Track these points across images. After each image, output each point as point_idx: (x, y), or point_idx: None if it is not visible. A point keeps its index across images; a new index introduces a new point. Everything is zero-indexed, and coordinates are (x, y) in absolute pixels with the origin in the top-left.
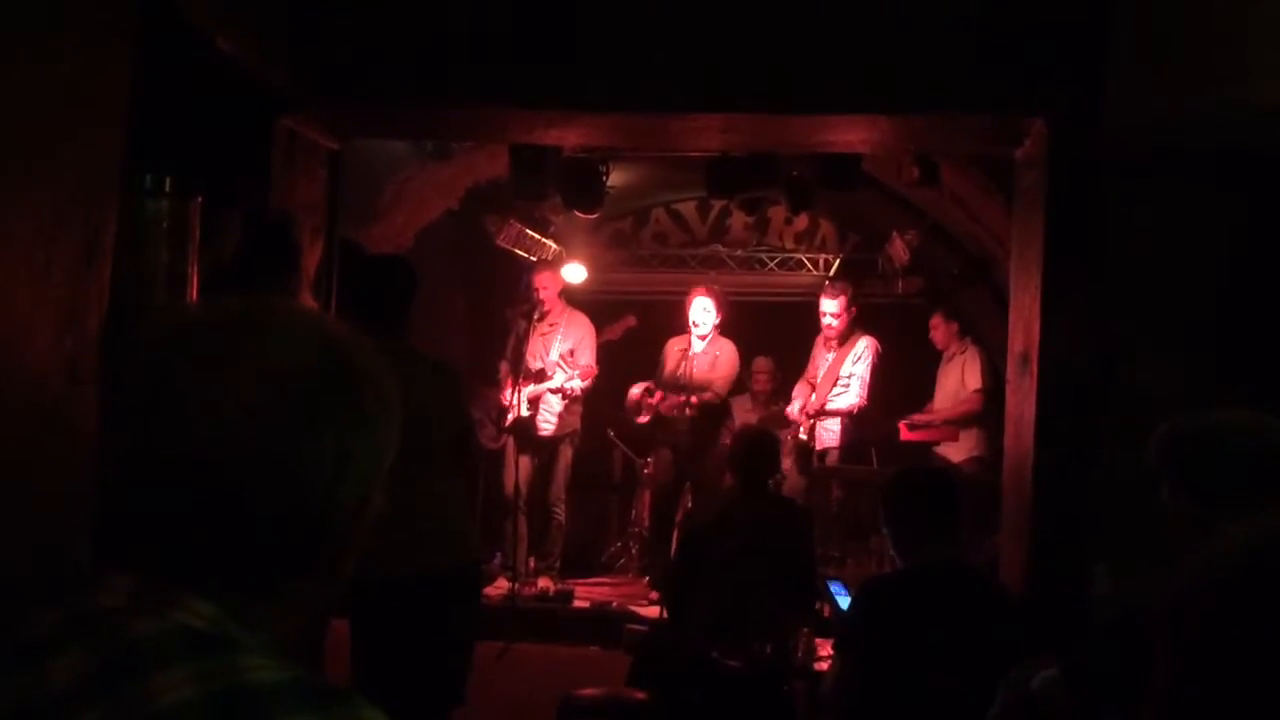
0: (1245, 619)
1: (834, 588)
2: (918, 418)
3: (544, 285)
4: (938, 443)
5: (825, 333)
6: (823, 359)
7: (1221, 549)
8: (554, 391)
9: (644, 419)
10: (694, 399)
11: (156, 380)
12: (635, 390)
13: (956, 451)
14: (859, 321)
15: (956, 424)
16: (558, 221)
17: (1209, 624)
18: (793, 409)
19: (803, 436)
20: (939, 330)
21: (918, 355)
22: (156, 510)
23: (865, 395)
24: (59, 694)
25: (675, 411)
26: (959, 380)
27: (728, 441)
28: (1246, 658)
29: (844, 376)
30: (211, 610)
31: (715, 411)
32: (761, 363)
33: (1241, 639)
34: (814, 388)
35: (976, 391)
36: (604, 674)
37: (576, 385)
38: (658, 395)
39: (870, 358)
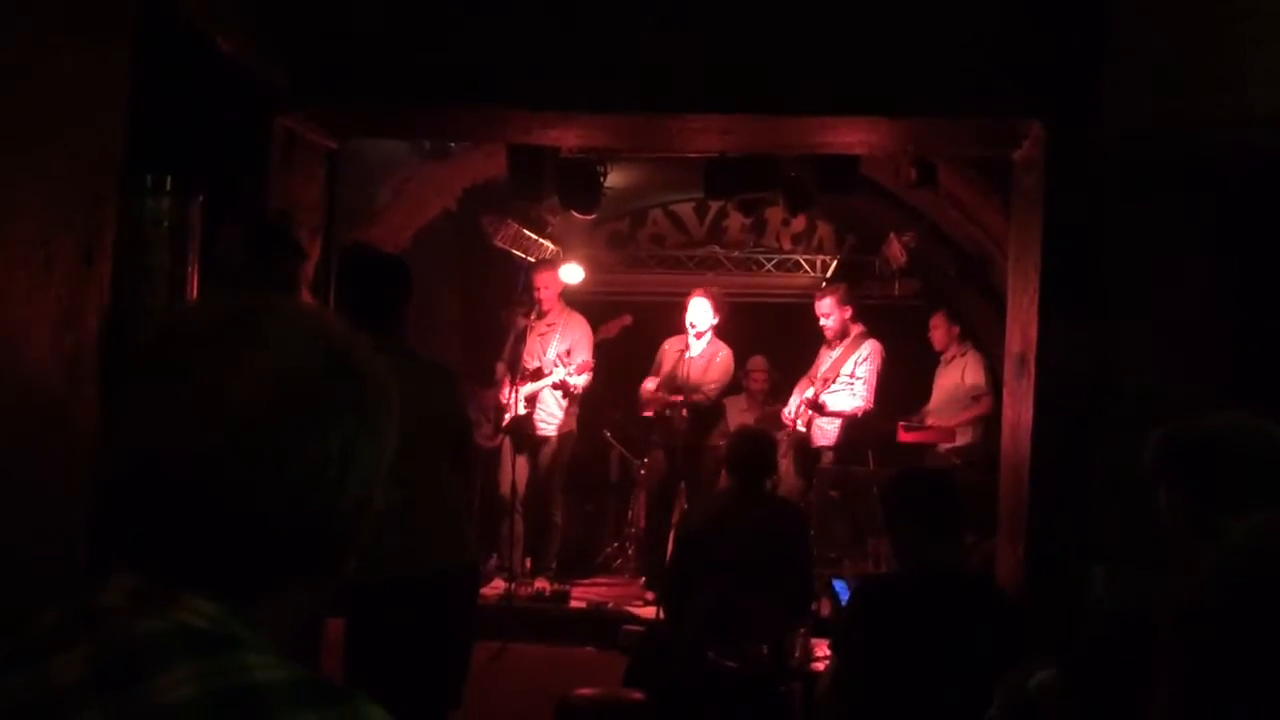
0: (1255, 618)
1: (838, 587)
2: (928, 420)
3: (545, 285)
4: (936, 444)
5: (825, 334)
6: (826, 357)
7: (1227, 549)
8: (555, 386)
9: (649, 413)
10: (688, 398)
11: (162, 379)
12: (649, 384)
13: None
14: (863, 324)
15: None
16: (555, 222)
17: (1219, 624)
18: (789, 409)
19: (800, 428)
20: (939, 330)
21: (914, 356)
22: (161, 509)
23: (871, 399)
24: (60, 693)
25: (669, 412)
26: (958, 382)
27: (722, 442)
28: (1258, 656)
29: (845, 375)
30: (214, 609)
31: (708, 412)
32: (757, 361)
33: (1252, 637)
34: (814, 383)
35: (986, 394)
36: (601, 674)
37: (579, 380)
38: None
39: (876, 361)
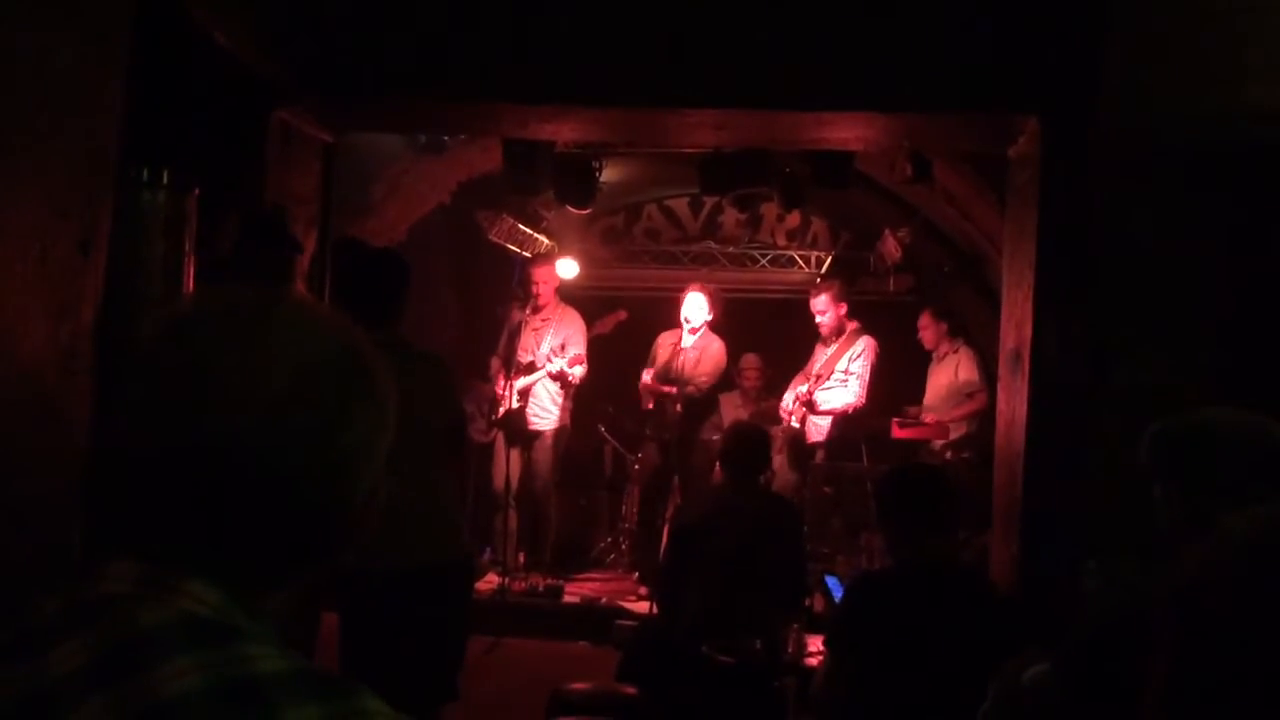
0: (1254, 606)
1: (831, 583)
2: (924, 416)
3: (541, 279)
4: (930, 440)
5: (820, 330)
6: (821, 353)
7: (1226, 539)
8: (554, 378)
9: (650, 406)
10: (681, 390)
11: (185, 368)
12: (648, 376)
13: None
14: (858, 320)
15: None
16: (550, 217)
17: (1219, 616)
18: (786, 401)
19: (795, 424)
20: (928, 330)
21: (908, 352)
22: (179, 497)
23: (864, 395)
24: (61, 683)
25: (664, 405)
26: (952, 378)
27: (714, 436)
28: (1258, 647)
29: (840, 371)
30: (217, 597)
31: (700, 406)
32: (750, 359)
33: (1253, 629)
34: (809, 378)
35: (981, 389)
36: (594, 669)
37: (577, 371)
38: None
39: (870, 358)
